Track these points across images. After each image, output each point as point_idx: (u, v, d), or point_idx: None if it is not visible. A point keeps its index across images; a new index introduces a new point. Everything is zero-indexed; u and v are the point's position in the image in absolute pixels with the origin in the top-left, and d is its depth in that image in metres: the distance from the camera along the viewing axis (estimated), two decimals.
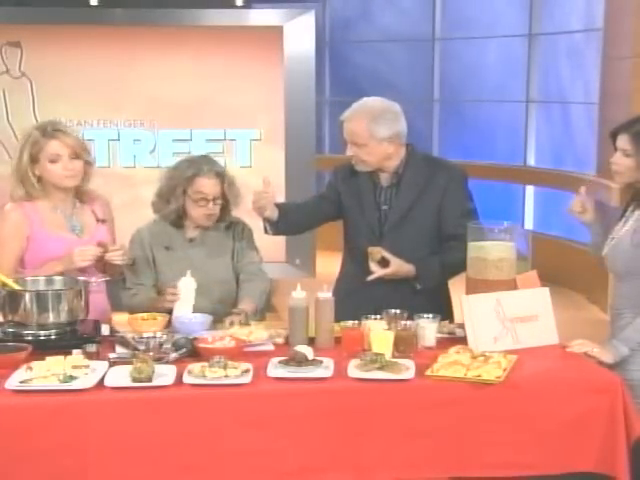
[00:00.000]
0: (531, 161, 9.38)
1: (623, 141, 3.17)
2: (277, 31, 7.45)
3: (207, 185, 3.64)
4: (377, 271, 3.54)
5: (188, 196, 3.65)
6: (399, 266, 3.55)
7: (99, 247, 3.42)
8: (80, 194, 3.58)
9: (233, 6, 7.83)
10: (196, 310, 3.48)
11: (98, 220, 3.60)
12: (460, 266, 3.43)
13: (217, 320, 3.44)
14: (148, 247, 3.70)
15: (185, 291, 3.45)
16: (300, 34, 7.48)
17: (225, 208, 3.72)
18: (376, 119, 3.57)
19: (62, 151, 3.46)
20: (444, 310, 3.55)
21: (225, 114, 7.44)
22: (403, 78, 10.14)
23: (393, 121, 3.60)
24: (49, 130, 3.48)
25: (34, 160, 3.46)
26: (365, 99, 3.69)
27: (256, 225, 3.81)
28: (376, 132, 3.57)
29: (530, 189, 9.42)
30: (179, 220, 3.71)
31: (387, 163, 3.64)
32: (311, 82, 7.55)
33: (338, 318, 3.26)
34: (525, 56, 9.29)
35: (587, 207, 3.38)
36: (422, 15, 10.31)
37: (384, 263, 3.54)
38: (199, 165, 3.67)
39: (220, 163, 3.80)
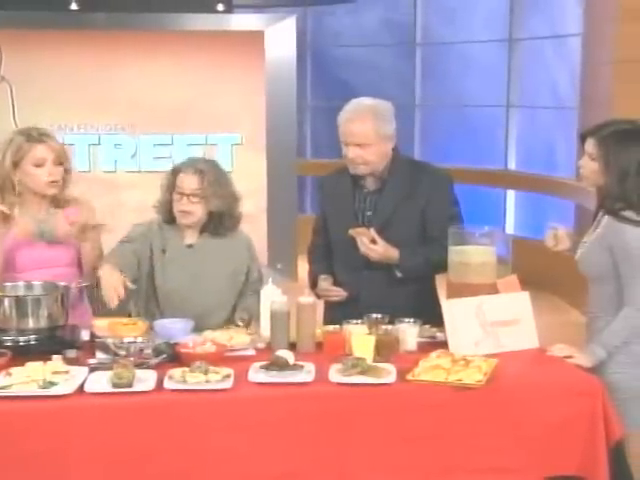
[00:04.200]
0: (512, 165, 9.42)
1: (590, 145, 3.19)
2: (258, 36, 7.47)
3: (185, 180, 3.61)
4: (366, 246, 3.49)
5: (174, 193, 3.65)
6: (386, 248, 3.51)
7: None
8: (57, 201, 3.55)
9: (215, 11, 7.83)
10: (180, 316, 3.47)
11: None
12: (444, 264, 3.42)
13: (202, 328, 3.43)
14: (149, 240, 3.65)
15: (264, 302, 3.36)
16: (281, 39, 7.50)
17: (221, 215, 3.67)
18: (379, 117, 3.54)
19: (48, 155, 3.45)
20: (429, 307, 3.51)
21: (206, 119, 7.45)
22: (384, 83, 10.16)
23: (392, 119, 3.59)
24: (35, 134, 3.47)
25: (15, 165, 3.43)
26: (360, 99, 3.63)
27: (249, 229, 3.83)
28: (381, 130, 3.53)
29: (511, 193, 9.46)
30: (170, 216, 3.67)
31: (383, 164, 3.63)
32: (292, 87, 7.57)
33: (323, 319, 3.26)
34: (505, 61, 9.33)
35: (560, 236, 3.38)
36: (403, 20, 10.34)
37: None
38: (183, 162, 3.71)
39: (214, 162, 3.78)
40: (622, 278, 3.12)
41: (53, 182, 3.48)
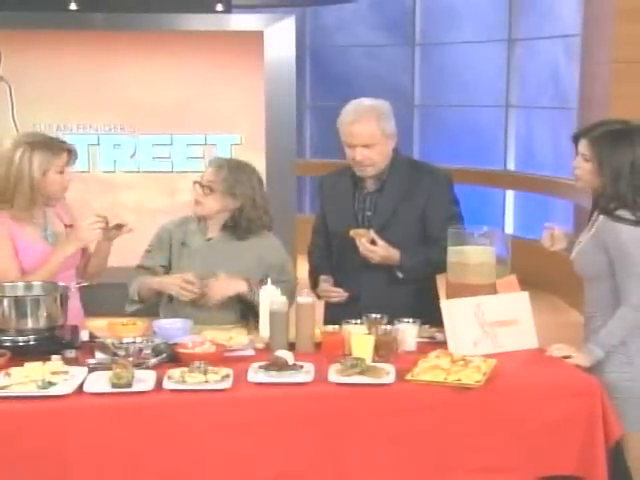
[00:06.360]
0: (511, 165, 9.42)
1: (583, 146, 3.20)
2: (257, 36, 7.45)
3: (206, 172, 3.67)
4: (366, 248, 3.49)
5: None
6: (386, 249, 3.51)
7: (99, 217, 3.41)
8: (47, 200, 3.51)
9: (213, 11, 7.82)
10: (193, 314, 3.50)
11: (66, 226, 3.55)
12: (444, 265, 3.42)
13: (211, 325, 3.45)
14: (170, 236, 3.71)
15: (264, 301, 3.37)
16: (280, 39, 7.48)
17: (238, 216, 3.66)
18: (382, 116, 3.55)
19: (68, 161, 3.44)
20: (429, 308, 3.49)
21: (206, 119, 7.43)
22: (383, 83, 10.17)
23: (392, 117, 3.60)
24: (57, 144, 3.43)
25: (44, 174, 3.37)
26: (359, 100, 3.63)
27: None
28: (385, 129, 3.55)
29: (510, 193, 9.46)
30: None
31: (385, 163, 3.62)
32: (292, 87, 7.55)
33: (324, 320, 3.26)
34: (504, 61, 9.33)
35: (556, 236, 3.39)
36: (402, 20, 10.35)
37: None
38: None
39: (241, 163, 3.76)
40: (618, 277, 3.12)
41: (67, 186, 3.48)
